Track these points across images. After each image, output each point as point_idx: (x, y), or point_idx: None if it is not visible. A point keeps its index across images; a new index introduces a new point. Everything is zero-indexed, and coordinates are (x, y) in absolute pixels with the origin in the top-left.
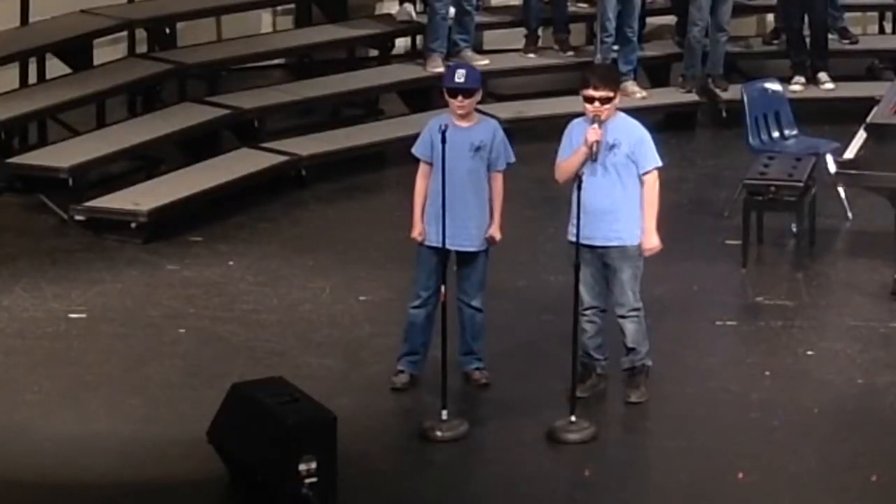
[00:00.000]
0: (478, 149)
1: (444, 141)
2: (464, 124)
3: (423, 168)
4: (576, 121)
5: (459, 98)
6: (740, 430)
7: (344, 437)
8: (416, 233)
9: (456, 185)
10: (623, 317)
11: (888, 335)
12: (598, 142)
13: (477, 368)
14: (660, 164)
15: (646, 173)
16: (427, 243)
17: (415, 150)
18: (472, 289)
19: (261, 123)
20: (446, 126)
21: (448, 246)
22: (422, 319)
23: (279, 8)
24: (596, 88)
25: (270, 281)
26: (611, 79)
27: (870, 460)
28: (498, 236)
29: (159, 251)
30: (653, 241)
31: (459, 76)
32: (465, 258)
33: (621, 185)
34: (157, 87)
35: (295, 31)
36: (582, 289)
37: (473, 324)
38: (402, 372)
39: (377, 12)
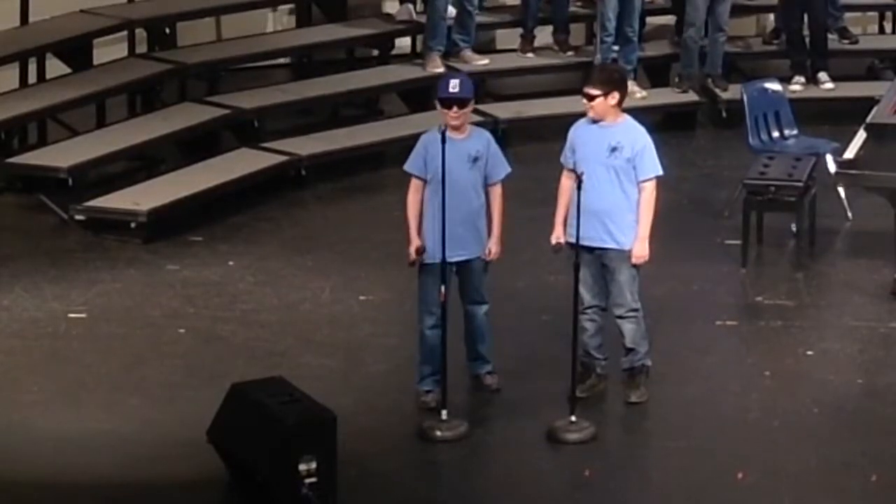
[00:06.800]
0: (475, 159)
1: (444, 140)
2: (458, 136)
3: (414, 183)
4: (578, 122)
5: (454, 109)
6: (740, 430)
7: (344, 437)
8: (413, 248)
9: (457, 197)
10: (621, 317)
11: (888, 335)
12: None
13: (488, 372)
14: (660, 173)
15: (645, 181)
16: (436, 261)
17: (407, 167)
18: (470, 294)
19: (261, 123)
20: (446, 126)
21: (450, 259)
22: (440, 340)
23: (279, 8)
24: (586, 85)
25: (270, 281)
26: (601, 78)
27: (870, 460)
28: (496, 250)
29: (159, 251)
30: (644, 250)
31: (453, 86)
32: (463, 265)
33: (620, 189)
34: (157, 87)
35: (295, 31)
36: (582, 288)
37: (474, 327)
38: (430, 391)
39: (377, 12)
